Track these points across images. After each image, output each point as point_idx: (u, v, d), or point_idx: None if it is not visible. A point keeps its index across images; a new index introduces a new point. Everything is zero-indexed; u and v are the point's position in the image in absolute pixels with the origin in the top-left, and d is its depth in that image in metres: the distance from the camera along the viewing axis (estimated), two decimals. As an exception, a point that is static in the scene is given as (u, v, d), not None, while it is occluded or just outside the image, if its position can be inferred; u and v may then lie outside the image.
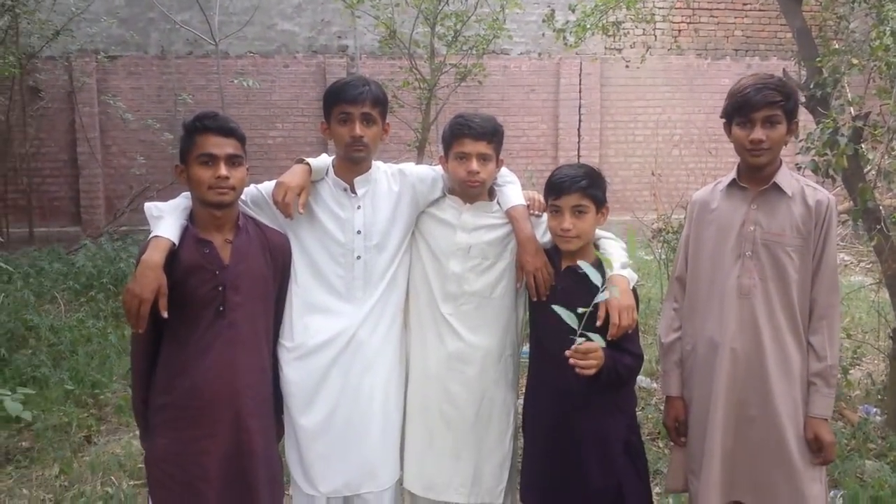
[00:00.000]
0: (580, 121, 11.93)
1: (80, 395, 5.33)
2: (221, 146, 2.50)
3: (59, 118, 11.23)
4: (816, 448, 2.56)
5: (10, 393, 4.70)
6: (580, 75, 11.85)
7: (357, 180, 2.82)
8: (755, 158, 2.57)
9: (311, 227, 2.80)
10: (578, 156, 11.77)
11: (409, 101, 8.84)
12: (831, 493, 3.84)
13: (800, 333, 2.59)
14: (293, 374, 2.78)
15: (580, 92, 11.91)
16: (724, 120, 2.68)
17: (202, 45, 10.95)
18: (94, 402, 5.29)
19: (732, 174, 2.71)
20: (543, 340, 2.75)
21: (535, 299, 2.69)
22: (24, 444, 4.72)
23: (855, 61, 5.05)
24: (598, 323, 2.46)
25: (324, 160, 2.85)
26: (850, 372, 5.18)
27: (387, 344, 2.84)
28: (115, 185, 11.13)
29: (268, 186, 2.78)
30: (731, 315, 2.61)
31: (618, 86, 11.94)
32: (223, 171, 2.48)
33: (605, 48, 11.07)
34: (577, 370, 2.43)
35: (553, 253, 2.78)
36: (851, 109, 5.09)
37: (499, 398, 2.90)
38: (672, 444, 2.90)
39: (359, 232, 2.79)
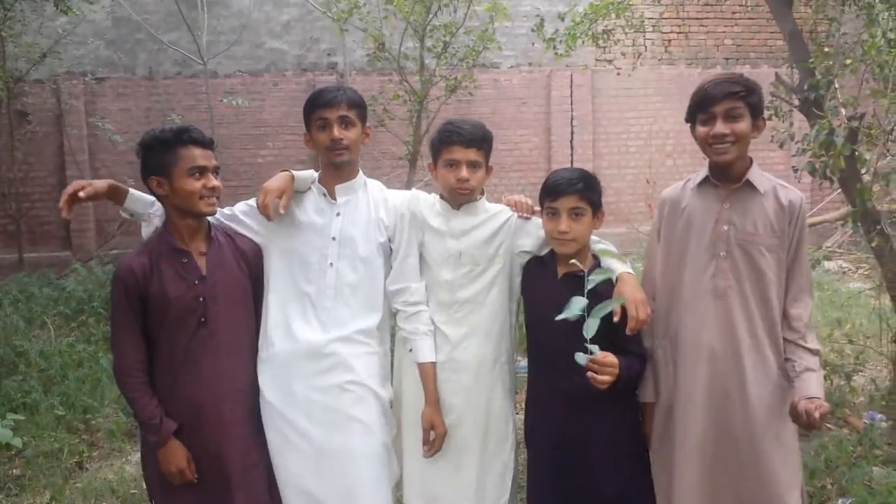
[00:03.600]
0: (572, 133, 11.90)
1: (71, 420, 5.23)
2: (209, 158, 2.60)
3: (47, 142, 11.16)
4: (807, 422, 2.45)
5: (-1, 419, 4.61)
6: (571, 87, 11.83)
7: (339, 187, 2.83)
8: (720, 155, 2.53)
9: (289, 234, 2.80)
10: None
11: (400, 115, 8.79)
12: (839, 501, 3.77)
13: (777, 335, 2.55)
14: (266, 385, 2.74)
15: (572, 104, 11.89)
16: (689, 124, 2.65)
17: (191, 65, 10.90)
18: (85, 427, 5.19)
19: (704, 171, 2.66)
20: (546, 348, 2.70)
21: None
22: (14, 471, 4.63)
23: (848, 61, 5.02)
24: (616, 319, 2.41)
25: (309, 173, 2.87)
26: (854, 378, 5.11)
27: (361, 358, 2.76)
28: (105, 209, 10.97)
29: (239, 206, 2.86)
30: (707, 316, 2.57)
31: (609, 97, 11.92)
32: (214, 181, 2.59)
33: (596, 59, 11.04)
34: (592, 381, 2.39)
35: (548, 260, 2.75)
36: (844, 111, 5.05)
37: (496, 406, 2.84)
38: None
39: (333, 238, 2.77)
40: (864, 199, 4.41)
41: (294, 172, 2.79)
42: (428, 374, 2.78)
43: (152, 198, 2.73)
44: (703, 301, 2.58)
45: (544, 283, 2.72)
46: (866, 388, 5.23)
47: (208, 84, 10.29)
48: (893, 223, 4.46)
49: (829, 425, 4.65)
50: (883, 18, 4.65)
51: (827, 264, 9.30)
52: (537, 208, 2.81)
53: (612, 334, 2.46)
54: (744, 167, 2.58)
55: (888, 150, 4.93)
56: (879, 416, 4.68)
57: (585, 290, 2.34)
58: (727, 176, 2.59)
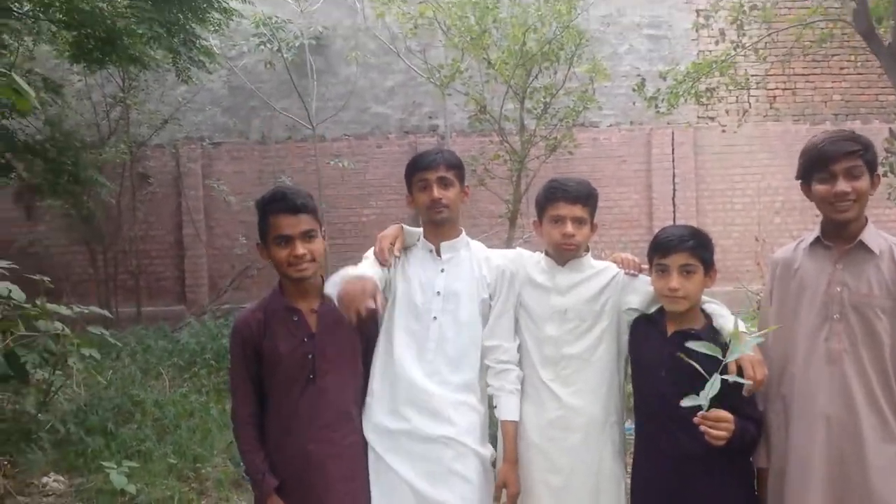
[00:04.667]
0: (674, 190, 11.74)
1: (182, 468, 5.41)
2: (294, 225, 2.63)
3: (166, 202, 11.77)
4: None
5: (115, 466, 4.83)
6: (672, 144, 11.72)
7: (443, 245, 2.90)
8: (842, 214, 2.46)
9: (399, 287, 2.88)
10: (674, 225, 11.46)
11: (500, 174, 8.91)
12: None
13: (895, 400, 2.42)
14: (370, 431, 2.79)
15: (673, 161, 11.76)
16: (800, 181, 2.59)
17: (300, 129, 11.39)
18: (195, 475, 5.35)
19: (816, 232, 2.59)
20: (654, 407, 2.64)
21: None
22: (128, 517, 4.80)
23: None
24: (733, 379, 2.36)
25: (417, 230, 2.97)
26: None
27: (462, 414, 2.78)
28: (218, 265, 11.50)
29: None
30: (821, 381, 2.47)
31: (712, 154, 11.73)
32: (299, 249, 2.61)
33: (698, 117, 10.96)
34: (707, 438, 2.35)
35: (657, 317, 2.70)
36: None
37: (606, 467, 2.78)
38: None
39: (438, 293, 2.83)
40: None
41: (404, 226, 2.93)
42: (509, 432, 2.79)
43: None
44: (816, 365, 2.49)
45: (653, 340, 2.67)
46: None
47: (317, 148, 10.74)
48: None
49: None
50: None
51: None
52: (644, 266, 2.80)
53: (727, 396, 2.40)
54: (859, 227, 2.50)
55: None
56: None
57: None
58: (841, 236, 2.51)
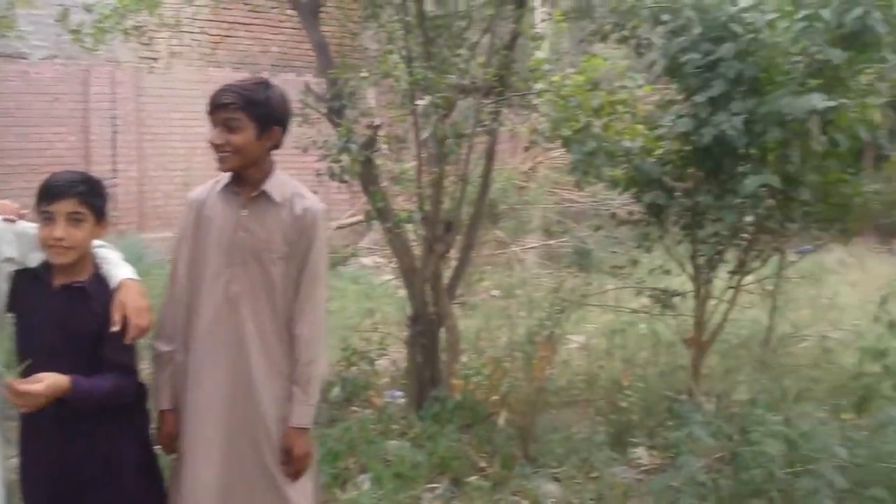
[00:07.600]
0: (115, 133, 11.26)
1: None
2: None
3: None
4: (289, 460, 2.62)
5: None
6: (112, 84, 11.19)
7: None
8: (221, 164, 2.56)
9: None
10: (114, 169, 11.10)
11: None
12: (360, 478, 4.07)
13: (285, 341, 2.64)
14: None
15: (114, 102, 11.26)
16: None
17: None
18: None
19: (228, 176, 2.66)
20: (42, 367, 2.41)
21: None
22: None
23: (364, 74, 5.47)
24: (116, 328, 2.32)
25: None
26: (378, 362, 5.59)
27: None
28: None
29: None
30: (221, 322, 2.59)
31: (154, 97, 11.52)
32: None
33: (140, 57, 10.59)
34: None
35: (43, 270, 2.49)
36: (364, 120, 5.51)
37: None
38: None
39: None
40: (377, 201, 4.88)
41: None
42: None
43: None
44: (218, 307, 2.58)
45: (39, 296, 2.47)
46: (389, 369, 5.73)
47: None
48: (399, 221, 4.97)
49: (354, 408, 5.03)
50: (399, 37, 5.08)
51: (365, 260, 10.19)
52: (24, 211, 2.57)
53: (103, 343, 2.39)
54: (261, 175, 2.60)
55: (400, 158, 5.48)
56: (399, 393, 5.19)
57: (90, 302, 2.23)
58: (246, 183, 2.60)
